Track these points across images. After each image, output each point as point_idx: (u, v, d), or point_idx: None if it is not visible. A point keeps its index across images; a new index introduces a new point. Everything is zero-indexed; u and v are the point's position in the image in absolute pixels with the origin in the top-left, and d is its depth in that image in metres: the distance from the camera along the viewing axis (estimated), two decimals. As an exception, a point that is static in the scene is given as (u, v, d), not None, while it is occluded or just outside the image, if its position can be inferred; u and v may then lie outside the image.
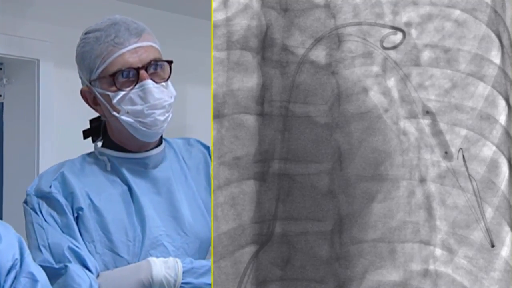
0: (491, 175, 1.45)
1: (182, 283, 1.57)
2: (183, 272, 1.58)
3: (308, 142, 1.47)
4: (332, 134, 1.47)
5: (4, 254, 1.36)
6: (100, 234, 1.60)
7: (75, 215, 1.60)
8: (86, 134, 1.74)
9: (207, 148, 1.80)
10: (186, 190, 1.71)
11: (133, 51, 1.62)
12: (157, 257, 1.60)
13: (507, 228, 1.45)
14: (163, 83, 1.64)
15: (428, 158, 1.46)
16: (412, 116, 1.47)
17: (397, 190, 1.46)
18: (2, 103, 3.10)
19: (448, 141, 1.46)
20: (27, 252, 1.41)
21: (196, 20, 3.48)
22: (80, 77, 1.70)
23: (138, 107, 1.61)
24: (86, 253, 1.57)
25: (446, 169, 1.46)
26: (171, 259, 1.60)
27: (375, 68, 1.47)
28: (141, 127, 1.62)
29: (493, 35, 1.47)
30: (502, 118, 1.46)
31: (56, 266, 1.55)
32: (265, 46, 1.48)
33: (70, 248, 1.56)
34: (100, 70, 1.63)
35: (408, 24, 1.48)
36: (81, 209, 1.60)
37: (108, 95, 1.63)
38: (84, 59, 1.65)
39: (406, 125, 1.47)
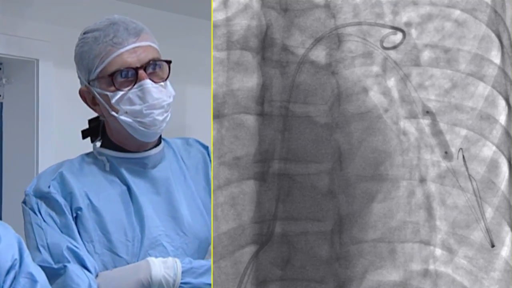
0: (491, 175, 1.45)
1: (181, 283, 1.57)
2: (182, 272, 1.58)
3: (308, 142, 1.46)
4: (332, 134, 1.47)
5: (3, 254, 1.36)
6: (99, 234, 1.60)
7: (74, 215, 1.60)
8: (85, 134, 1.73)
9: (206, 148, 1.79)
10: (185, 190, 1.71)
11: (132, 51, 1.62)
12: (156, 257, 1.60)
13: (507, 228, 1.45)
14: (162, 83, 1.64)
15: (428, 158, 1.46)
16: (412, 116, 1.47)
17: (397, 190, 1.46)
18: (2, 103, 3.10)
19: (448, 141, 1.46)
20: (26, 253, 1.40)
21: (196, 20, 3.47)
22: (79, 77, 1.69)
23: (137, 107, 1.61)
24: (85, 253, 1.57)
25: (446, 169, 1.46)
26: (170, 259, 1.59)
27: (375, 68, 1.47)
28: (140, 127, 1.62)
29: (493, 35, 1.47)
30: (502, 118, 1.46)
31: (55, 266, 1.55)
32: (265, 46, 1.48)
33: (69, 248, 1.56)
34: (98, 70, 1.62)
35: (408, 24, 1.47)
36: (80, 209, 1.60)
37: (107, 95, 1.62)
38: (83, 59, 1.65)
39: (406, 125, 1.47)
